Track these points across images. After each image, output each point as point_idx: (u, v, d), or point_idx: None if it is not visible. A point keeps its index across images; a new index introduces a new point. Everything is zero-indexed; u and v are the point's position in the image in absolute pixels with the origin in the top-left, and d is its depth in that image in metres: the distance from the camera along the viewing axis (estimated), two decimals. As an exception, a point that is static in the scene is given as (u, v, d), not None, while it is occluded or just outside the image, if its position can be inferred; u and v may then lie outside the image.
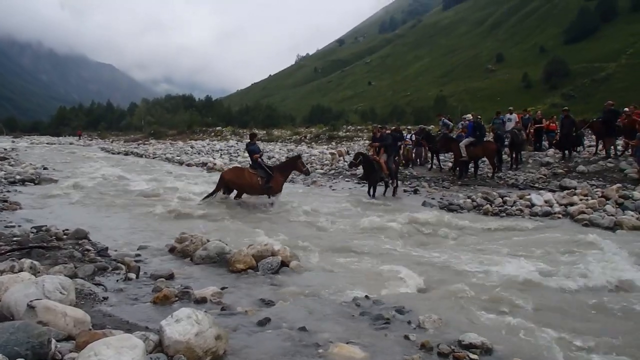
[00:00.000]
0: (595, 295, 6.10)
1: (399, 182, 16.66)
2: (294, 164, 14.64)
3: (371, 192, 15.44)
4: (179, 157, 32.20)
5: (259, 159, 14.03)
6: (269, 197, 13.57)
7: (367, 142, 32.38)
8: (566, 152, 19.27)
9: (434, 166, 20.89)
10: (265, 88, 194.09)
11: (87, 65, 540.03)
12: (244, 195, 13.94)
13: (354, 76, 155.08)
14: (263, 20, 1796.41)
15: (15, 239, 7.74)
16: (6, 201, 12.33)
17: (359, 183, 18.48)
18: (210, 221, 11.18)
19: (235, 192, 13.91)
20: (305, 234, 9.79)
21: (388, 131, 17.81)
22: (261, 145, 38.29)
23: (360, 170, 17.06)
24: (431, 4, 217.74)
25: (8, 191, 14.76)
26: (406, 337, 4.38)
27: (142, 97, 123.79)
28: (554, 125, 18.81)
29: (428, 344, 4.21)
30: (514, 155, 19.99)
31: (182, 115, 75.27)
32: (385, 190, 15.90)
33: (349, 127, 48.00)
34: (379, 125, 18.50)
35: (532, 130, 22.14)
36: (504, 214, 12.25)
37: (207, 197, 13.61)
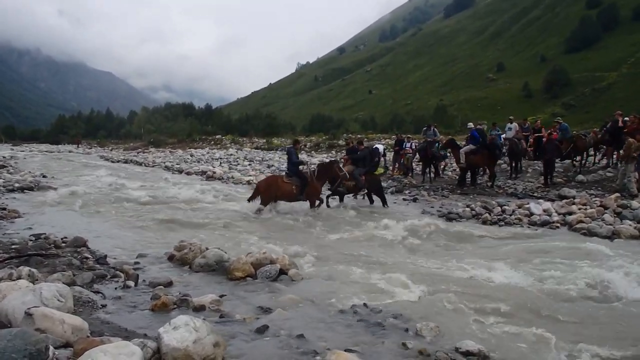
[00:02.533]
0: (592, 303, 6.12)
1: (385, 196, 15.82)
2: (330, 169, 14.61)
3: (342, 199, 15.17)
4: (178, 166, 32.20)
5: (299, 167, 14.18)
6: (311, 207, 13.77)
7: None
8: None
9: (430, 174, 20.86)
10: (266, 96, 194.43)
11: (86, 72, 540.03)
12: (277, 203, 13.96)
13: (355, 85, 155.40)
14: (263, 29, 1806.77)
15: (13, 246, 7.75)
16: (5, 209, 12.33)
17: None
18: (209, 229, 11.18)
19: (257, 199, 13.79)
20: (303, 242, 9.79)
21: (362, 146, 16.91)
22: (261, 153, 38.66)
23: None
24: (432, 13, 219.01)
25: (7, 199, 14.79)
26: (403, 345, 4.38)
27: (141, 104, 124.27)
28: (555, 134, 18.85)
29: (425, 351, 4.22)
30: (513, 165, 20.02)
31: (181, 124, 75.46)
32: (341, 199, 15.36)
33: (349, 136, 48.09)
34: (352, 137, 17.97)
35: (532, 140, 22.20)
36: (503, 223, 12.27)
37: (249, 201, 13.73)
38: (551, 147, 17.78)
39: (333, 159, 17.04)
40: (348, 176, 14.52)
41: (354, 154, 15.96)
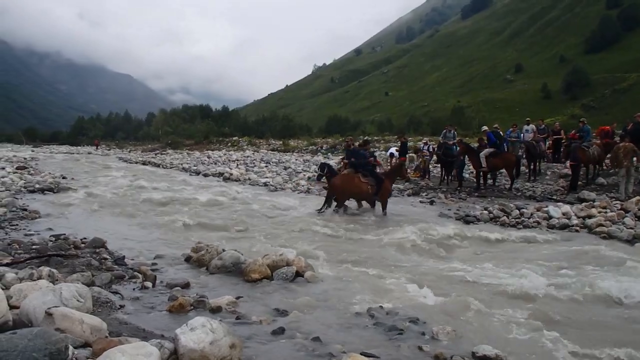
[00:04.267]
0: (611, 308, 6.05)
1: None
2: (399, 171, 15.01)
3: (324, 208, 14.07)
4: (195, 167, 32.37)
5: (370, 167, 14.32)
6: (382, 208, 13.84)
7: (382, 152, 32.38)
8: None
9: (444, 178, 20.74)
10: (282, 98, 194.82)
11: (105, 75, 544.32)
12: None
13: (371, 86, 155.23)
14: (278, 29, 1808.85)
15: (34, 247, 7.86)
16: (26, 210, 12.51)
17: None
18: (226, 231, 11.24)
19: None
20: (320, 244, 9.79)
21: (361, 147, 16.41)
22: (277, 155, 38.72)
23: None
24: (449, 14, 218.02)
25: (28, 200, 14.98)
26: (420, 348, 4.37)
27: (158, 106, 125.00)
28: (575, 135, 18.60)
29: (441, 355, 4.20)
30: (531, 167, 19.85)
31: (198, 126, 75.69)
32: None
33: (365, 138, 47.93)
34: (352, 138, 17.77)
35: (550, 142, 22.00)
36: (521, 226, 12.15)
37: (322, 208, 13.85)
38: (576, 153, 16.91)
39: (401, 162, 17.08)
40: (411, 179, 14.83)
41: (352, 154, 15.70)
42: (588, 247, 9.32)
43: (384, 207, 13.89)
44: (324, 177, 15.19)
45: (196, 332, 3.62)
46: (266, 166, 30.45)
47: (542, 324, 5.33)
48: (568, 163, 17.90)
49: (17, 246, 7.87)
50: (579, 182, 17.06)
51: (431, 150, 22.77)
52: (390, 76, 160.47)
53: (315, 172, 18.36)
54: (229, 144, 56.26)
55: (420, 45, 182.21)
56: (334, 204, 14.01)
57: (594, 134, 20.76)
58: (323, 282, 6.88)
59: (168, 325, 4.62)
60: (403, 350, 4.36)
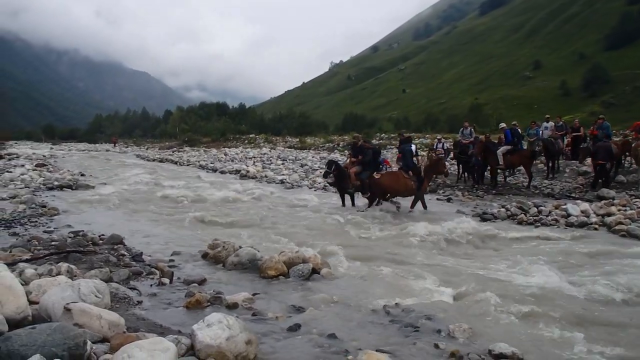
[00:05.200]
0: (630, 307, 5.97)
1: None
2: (438, 166, 15.14)
3: (344, 202, 14.99)
4: (212, 165, 32.55)
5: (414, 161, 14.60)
6: (423, 206, 14.10)
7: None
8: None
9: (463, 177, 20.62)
10: (299, 95, 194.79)
11: (123, 72, 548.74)
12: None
13: (388, 83, 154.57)
14: (294, 26, 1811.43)
15: (53, 243, 7.95)
16: (45, 206, 12.67)
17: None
18: (242, 228, 11.27)
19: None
20: (336, 241, 9.78)
21: (368, 145, 16.69)
22: (294, 152, 38.76)
23: None
24: (467, 10, 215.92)
25: (47, 197, 15.16)
26: (436, 346, 4.34)
27: (175, 103, 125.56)
28: (595, 131, 18.35)
29: (458, 353, 4.17)
30: (550, 164, 19.66)
31: (215, 123, 75.91)
32: (352, 201, 15.19)
33: (382, 135, 47.81)
34: (360, 136, 17.65)
35: (569, 139, 21.75)
36: (539, 224, 12.04)
37: (369, 206, 14.08)
38: (603, 151, 16.48)
39: (439, 157, 17.03)
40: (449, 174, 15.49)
41: (358, 152, 15.63)
42: (607, 246, 9.21)
43: (424, 204, 14.20)
44: (331, 175, 15.12)
45: (213, 328, 3.64)
46: (283, 163, 30.52)
47: (559, 322, 5.28)
48: (590, 160, 17.67)
49: (37, 242, 7.97)
50: (599, 181, 16.85)
51: (445, 148, 22.65)
52: (407, 73, 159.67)
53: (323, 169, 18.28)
54: (246, 141, 56.40)
55: (438, 41, 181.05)
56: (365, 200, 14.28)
57: (629, 129, 20.44)
58: (339, 279, 6.87)
59: (185, 321, 4.64)
60: (419, 348, 4.34)
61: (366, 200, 14.75)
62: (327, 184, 17.60)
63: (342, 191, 15.08)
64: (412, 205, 14.06)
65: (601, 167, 16.52)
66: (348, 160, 16.33)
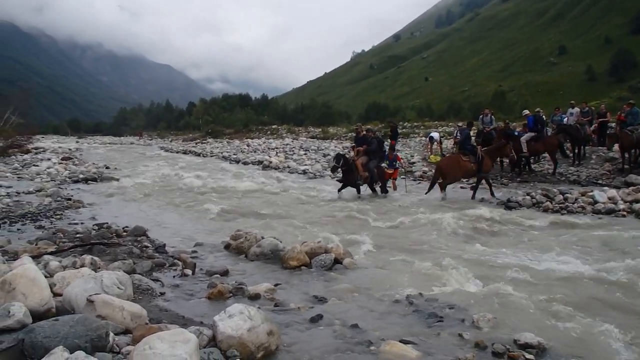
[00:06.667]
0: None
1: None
2: (502, 149, 15.30)
3: (359, 192, 14.93)
4: (235, 156, 32.71)
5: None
6: (490, 191, 14.29)
7: (422, 139, 32.04)
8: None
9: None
10: (321, 86, 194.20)
11: (146, 65, 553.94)
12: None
13: (410, 72, 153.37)
14: (315, 15, 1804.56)
15: (77, 235, 8.07)
16: (70, 199, 12.86)
17: (407, 178, 18.23)
18: (265, 218, 11.29)
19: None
20: (358, 231, 9.75)
21: (372, 135, 16.64)
22: (316, 142, 38.73)
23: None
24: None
25: (72, 189, 15.37)
26: (460, 336, 4.29)
27: (198, 95, 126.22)
28: (623, 117, 17.91)
29: (482, 343, 4.11)
30: (576, 151, 19.30)
31: (238, 114, 76.26)
32: (358, 192, 15.00)
33: (405, 124, 47.50)
34: (361, 124, 17.30)
35: (596, 125, 21.30)
36: (565, 212, 11.79)
37: (429, 190, 14.34)
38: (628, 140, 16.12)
39: (505, 141, 16.89)
40: (515, 158, 16.08)
41: (362, 141, 15.62)
42: (635, 233, 9.00)
43: (490, 188, 14.36)
44: (339, 169, 15.07)
45: (234, 319, 3.64)
46: (305, 154, 30.52)
47: (585, 311, 5.16)
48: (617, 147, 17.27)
49: (62, 235, 8.09)
50: (626, 167, 16.48)
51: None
52: (429, 61, 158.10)
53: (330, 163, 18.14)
54: (268, 132, 56.53)
55: (460, 29, 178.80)
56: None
57: None
58: (362, 269, 6.83)
59: (207, 313, 4.65)
60: (443, 338, 4.29)
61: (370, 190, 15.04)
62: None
63: (350, 185, 14.95)
64: (475, 188, 14.53)
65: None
66: (353, 151, 16.25)
